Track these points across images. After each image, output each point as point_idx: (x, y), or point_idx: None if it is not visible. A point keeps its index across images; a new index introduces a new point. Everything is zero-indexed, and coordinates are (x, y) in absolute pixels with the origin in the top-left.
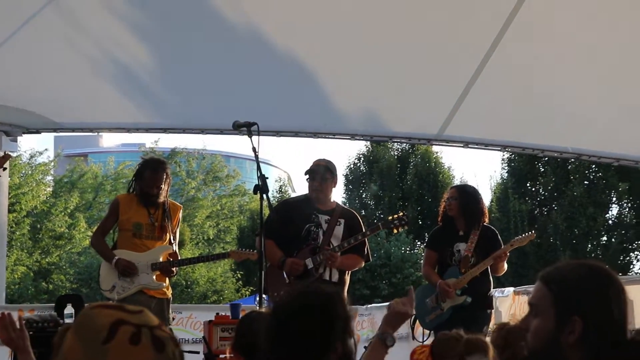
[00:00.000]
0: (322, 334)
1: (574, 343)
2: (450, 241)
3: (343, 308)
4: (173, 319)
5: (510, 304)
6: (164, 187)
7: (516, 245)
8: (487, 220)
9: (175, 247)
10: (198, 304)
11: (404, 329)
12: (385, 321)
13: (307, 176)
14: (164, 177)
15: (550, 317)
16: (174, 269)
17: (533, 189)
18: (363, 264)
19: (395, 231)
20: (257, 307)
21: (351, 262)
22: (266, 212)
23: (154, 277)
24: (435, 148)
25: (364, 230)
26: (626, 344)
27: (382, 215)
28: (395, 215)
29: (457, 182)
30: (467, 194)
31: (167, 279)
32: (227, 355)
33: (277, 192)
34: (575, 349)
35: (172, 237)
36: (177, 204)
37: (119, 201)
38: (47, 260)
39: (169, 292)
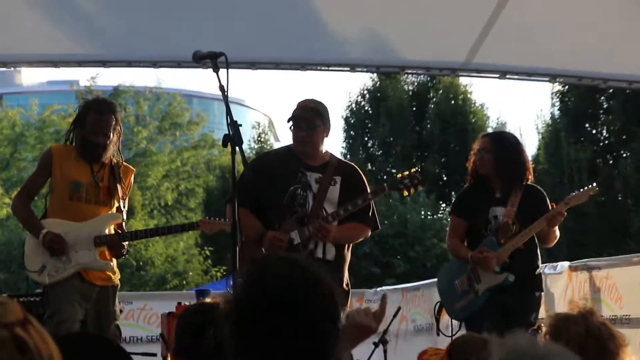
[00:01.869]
0: (317, 330)
1: None
2: (485, 205)
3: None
4: (121, 311)
5: (565, 284)
6: (113, 136)
7: (573, 204)
8: (531, 177)
9: (125, 215)
10: (154, 290)
11: (426, 318)
12: (344, 332)
13: (291, 124)
14: (113, 122)
15: None
16: (124, 244)
17: (594, 132)
18: (369, 234)
19: (405, 193)
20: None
21: (351, 232)
22: (240, 169)
23: (97, 254)
24: (462, 80)
25: (367, 193)
26: None
27: (393, 171)
28: (405, 173)
29: (492, 125)
30: (505, 144)
31: (114, 259)
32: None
33: (254, 141)
34: None
35: (122, 205)
36: (129, 166)
37: (52, 153)
38: None
39: (116, 277)
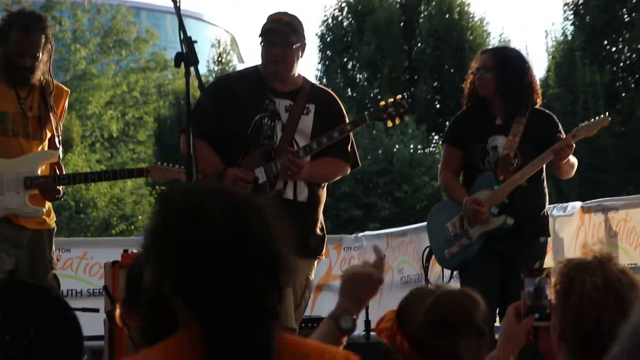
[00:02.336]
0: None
1: None
2: (483, 133)
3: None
4: (58, 259)
5: (576, 228)
6: (43, 56)
7: (581, 136)
8: (539, 100)
9: (61, 152)
10: (97, 237)
11: (415, 268)
12: (343, 291)
13: (261, 40)
14: (42, 40)
15: None
16: (60, 187)
17: (614, 49)
18: (348, 171)
19: (390, 124)
20: None
21: (327, 169)
22: (196, 94)
23: (27, 198)
24: None
25: (344, 123)
26: None
27: (379, 98)
28: (390, 100)
29: (493, 43)
30: (509, 61)
31: (47, 202)
32: (117, 312)
33: (214, 62)
34: None
35: (56, 138)
36: (63, 86)
37: None
38: None
39: (52, 220)
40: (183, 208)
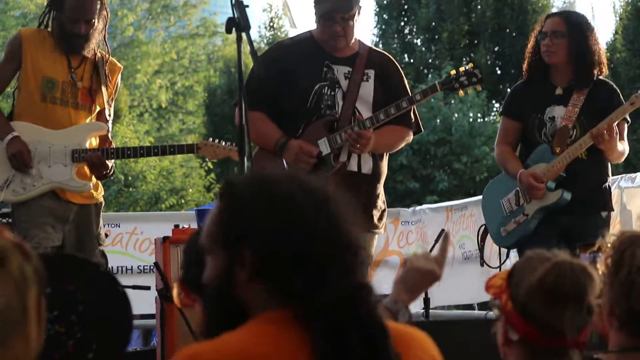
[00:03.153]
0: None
1: None
2: (540, 104)
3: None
4: (107, 235)
5: None
6: (98, 23)
7: (638, 105)
8: (604, 69)
9: (111, 126)
10: (146, 211)
11: (475, 244)
12: (400, 282)
13: (318, 11)
14: (98, 5)
15: None
16: (109, 162)
17: None
18: (411, 138)
19: (461, 93)
20: None
21: (392, 138)
22: (248, 62)
23: (74, 172)
24: None
25: (404, 87)
26: None
27: (437, 62)
28: (462, 69)
29: (556, 5)
30: (581, 27)
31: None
32: (174, 291)
33: (266, 28)
34: None
35: (107, 111)
36: (117, 62)
37: (23, 39)
38: None
39: (99, 194)
40: (261, 191)
